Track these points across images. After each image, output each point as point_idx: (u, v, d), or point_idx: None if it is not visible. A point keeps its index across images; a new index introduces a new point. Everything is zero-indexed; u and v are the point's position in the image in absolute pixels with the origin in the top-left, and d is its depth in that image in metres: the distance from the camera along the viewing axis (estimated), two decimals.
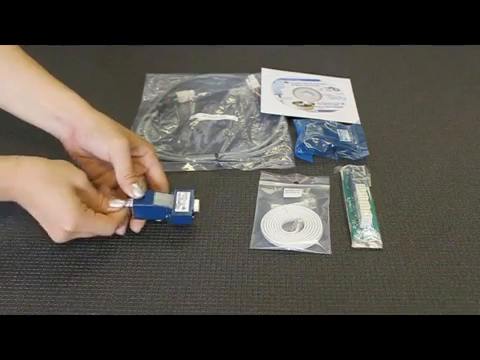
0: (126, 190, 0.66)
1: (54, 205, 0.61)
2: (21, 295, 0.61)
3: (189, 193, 0.67)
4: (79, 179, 0.63)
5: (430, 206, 0.72)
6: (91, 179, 0.68)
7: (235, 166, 0.78)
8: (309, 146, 0.79)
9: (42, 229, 0.68)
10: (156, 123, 0.87)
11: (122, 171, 0.65)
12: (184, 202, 0.67)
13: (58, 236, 0.63)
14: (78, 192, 0.62)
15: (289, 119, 0.87)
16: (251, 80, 0.95)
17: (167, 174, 0.76)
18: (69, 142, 0.69)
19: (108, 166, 0.69)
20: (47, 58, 0.72)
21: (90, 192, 0.64)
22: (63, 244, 0.66)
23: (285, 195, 0.73)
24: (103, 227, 0.64)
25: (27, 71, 0.70)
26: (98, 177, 0.70)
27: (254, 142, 0.83)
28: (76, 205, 0.61)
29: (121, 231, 0.67)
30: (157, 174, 0.70)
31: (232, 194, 0.74)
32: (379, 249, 0.67)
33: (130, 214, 0.67)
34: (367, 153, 0.80)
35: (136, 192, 0.65)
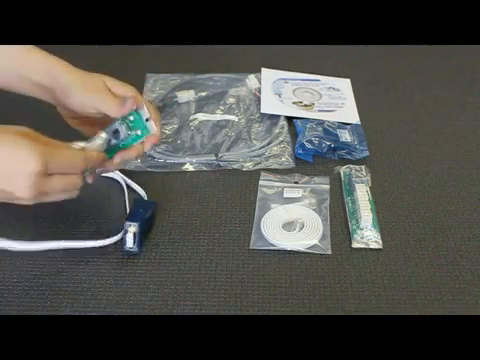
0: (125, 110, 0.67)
1: (8, 149, 0.55)
2: (21, 295, 0.61)
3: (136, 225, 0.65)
4: (21, 127, 0.58)
5: (430, 206, 0.72)
6: None
7: (235, 166, 0.78)
8: (309, 146, 0.79)
9: (40, 229, 0.68)
10: None
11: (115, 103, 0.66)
12: (129, 238, 0.65)
13: (26, 188, 0.55)
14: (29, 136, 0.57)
15: (289, 119, 0.87)
16: (251, 80, 0.95)
17: (167, 174, 0.76)
18: (59, 106, 0.70)
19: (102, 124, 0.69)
20: None
21: (42, 136, 0.59)
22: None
23: (285, 195, 0.73)
24: (74, 158, 0.60)
25: (8, 46, 0.69)
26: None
27: (254, 142, 0.83)
28: (33, 140, 0.56)
29: (90, 179, 0.64)
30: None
31: (232, 194, 0.74)
32: (379, 249, 0.67)
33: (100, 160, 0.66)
34: (367, 153, 0.80)
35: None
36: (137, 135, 0.68)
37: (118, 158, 0.68)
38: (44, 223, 0.70)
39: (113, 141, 0.67)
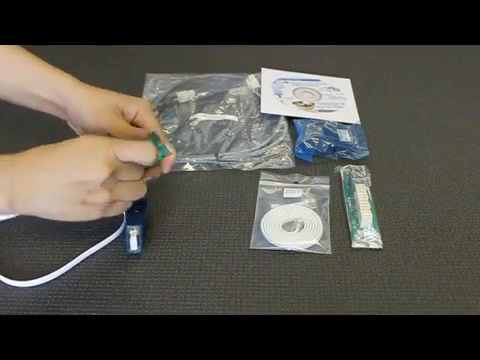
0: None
1: (79, 144, 0.59)
2: (21, 295, 0.61)
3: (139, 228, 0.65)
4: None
5: (430, 206, 0.72)
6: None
7: (235, 166, 0.78)
8: (309, 146, 0.79)
9: (42, 229, 0.68)
10: None
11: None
12: (133, 241, 0.65)
13: (101, 171, 0.57)
14: None
15: (289, 119, 0.87)
16: (251, 80, 0.95)
17: (167, 174, 0.76)
18: (72, 123, 0.72)
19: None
20: (47, 58, 0.72)
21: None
22: (64, 244, 0.66)
23: (285, 195, 0.73)
24: (144, 148, 0.61)
25: (21, 66, 0.71)
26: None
27: (254, 142, 0.83)
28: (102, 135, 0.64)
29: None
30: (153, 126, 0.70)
31: (232, 194, 0.74)
32: (379, 249, 0.67)
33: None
34: (367, 153, 0.80)
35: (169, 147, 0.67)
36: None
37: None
38: (45, 223, 0.70)
39: None
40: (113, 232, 0.67)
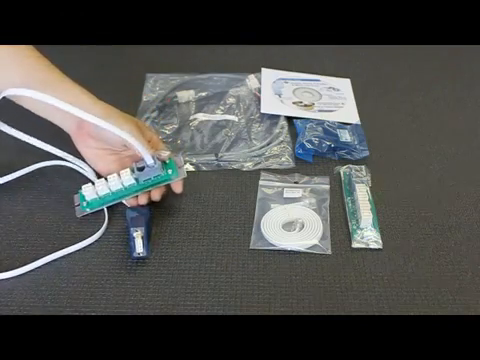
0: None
1: None
2: (21, 295, 0.61)
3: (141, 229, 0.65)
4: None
5: (430, 206, 0.72)
6: (100, 173, 0.73)
7: (235, 166, 0.78)
8: (309, 146, 0.79)
9: (42, 229, 0.68)
10: (156, 123, 0.87)
11: (145, 145, 0.68)
12: (138, 243, 0.65)
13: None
14: None
15: (289, 119, 0.87)
16: (251, 80, 0.95)
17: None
18: (78, 135, 0.72)
19: (116, 156, 0.72)
20: (47, 58, 0.72)
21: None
22: (63, 244, 0.66)
23: (285, 195, 0.73)
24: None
25: (35, 67, 0.71)
26: (107, 170, 0.72)
27: (254, 142, 0.83)
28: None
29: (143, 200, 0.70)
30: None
31: (232, 194, 0.74)
32: (379, 249, 0.67)
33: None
34: (367, 153, 0.80)
35: (163, 154, 0.70)
36: (168, 174, 0.69)
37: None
38: (44, 225, 0.70)
39: (140, 176, 0.69)
40: (117, 234, 0.67)
